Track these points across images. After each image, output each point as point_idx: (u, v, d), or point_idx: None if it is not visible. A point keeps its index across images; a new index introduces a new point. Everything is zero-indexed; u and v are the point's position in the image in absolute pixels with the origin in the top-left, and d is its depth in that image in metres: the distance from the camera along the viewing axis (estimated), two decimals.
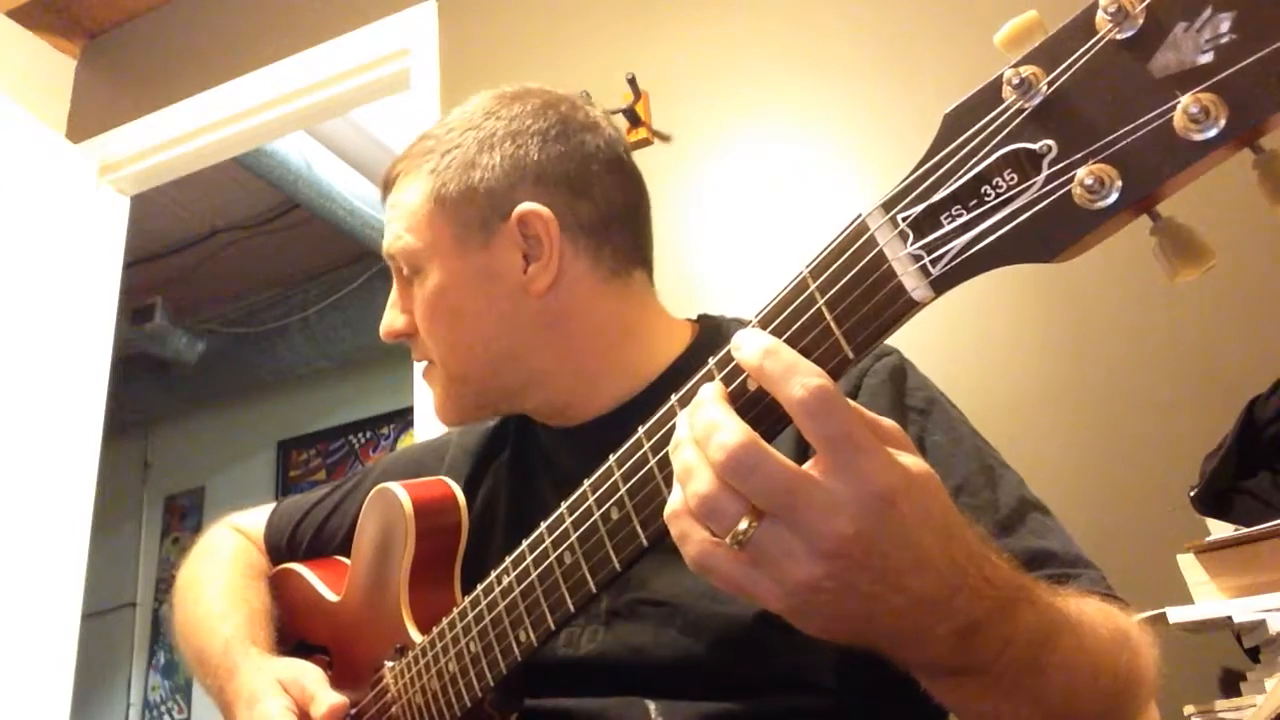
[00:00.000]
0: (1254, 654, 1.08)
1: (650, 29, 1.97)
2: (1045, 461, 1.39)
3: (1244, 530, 1.08)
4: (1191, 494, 1.20)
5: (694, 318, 0.96)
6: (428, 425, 1.90)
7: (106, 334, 2.54)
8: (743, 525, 0.46)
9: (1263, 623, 1.03)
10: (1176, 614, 1.04)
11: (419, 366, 0.95)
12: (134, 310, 3.90)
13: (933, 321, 1.51)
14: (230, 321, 4.23)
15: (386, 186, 0.93)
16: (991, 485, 0.74)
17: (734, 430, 0.46)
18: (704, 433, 0.48)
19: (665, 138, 1.88)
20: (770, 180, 1.77)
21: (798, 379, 0.46)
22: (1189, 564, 1.11)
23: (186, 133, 2.53)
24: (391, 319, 0.92)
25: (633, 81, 1.82)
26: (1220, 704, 1.07)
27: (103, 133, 2.64)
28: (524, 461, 0.95)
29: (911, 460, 0.47)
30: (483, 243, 0.85)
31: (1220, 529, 1.15)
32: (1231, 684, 1.17)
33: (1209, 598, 1.08)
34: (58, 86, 2.77)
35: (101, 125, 2.66)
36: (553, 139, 0.87)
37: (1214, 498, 1.17)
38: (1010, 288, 1.53)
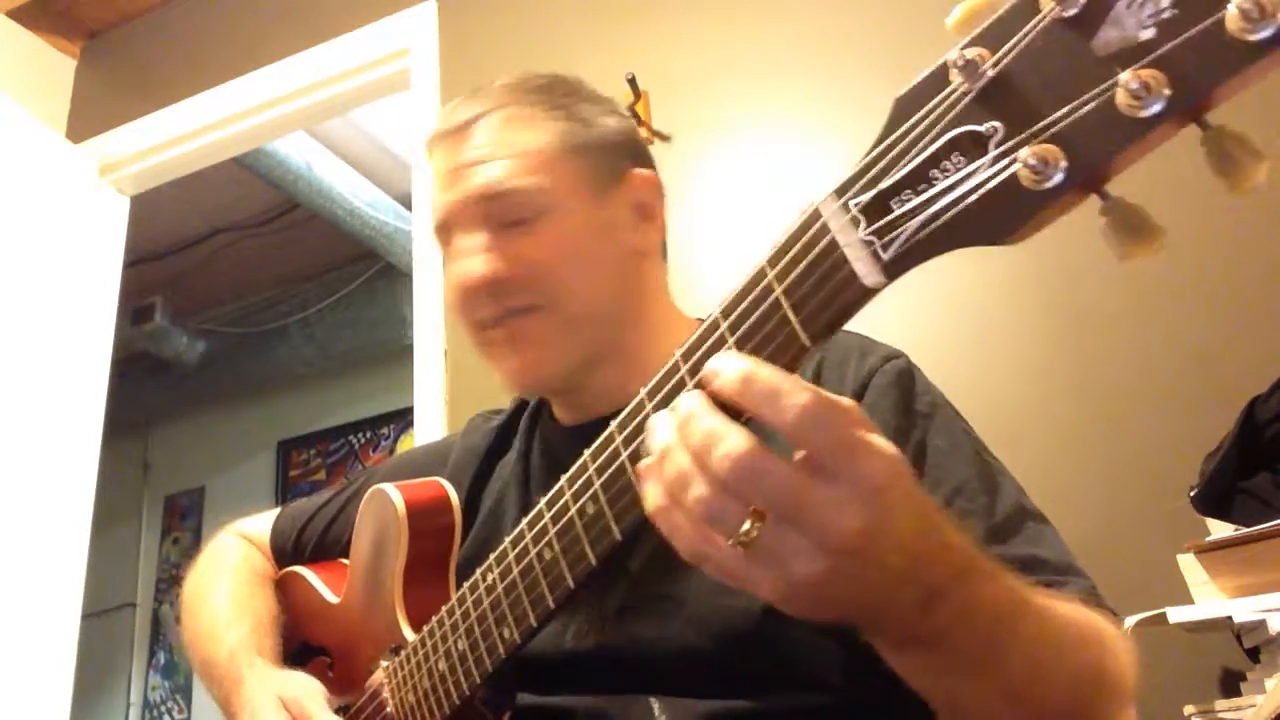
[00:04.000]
0: (1254, 654, 1.08)
1: (650, 29, 1.97)
2: (1045, 461, 1.39)
3: (1244, 530, 1.08)
4: (1191, 494, 1.20)
5: (702, 318, 0.95)
6: (428, 425, 1.90)
7: (106, 334, 2.54)
8: (746, 527, 0.46)
9: (1263, 623, 1.03)
10: (1176, 614, 1.04)
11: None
12: (134, 310, 3.90)
13: (934, 321, 1.52)
14: (230, 321, 4.23)
15: (464, 127, 0.86)
16: (989, 491, 0.74)
17: (737, 440, 0.46)
18: (703, 442, 0.47)
19: (665, 138, 1.88)
20: (770, 180, 1.76)
21: (784, 401, 0.46)
22: (1189, 564, 1.10)
23: (186, 133, 2.53)
24: (490, 263, 0.83)
25: (633, 81, 1.82)
26: (1220, 704, 1.07)
27: (103, 133, 2.64)
28: (531, 459, 0.95)
29: (884, 441, 0.48)
30: (604, 196, 0.88)
31: (1220, 529, 1.15)
32: (1231, 684, 1.17)
33: (1209, 598, 1.08)
34: (58, 86, 2.77)
35: (101, 125, 2.66)
36: (618, 114, 0.93)
37: (1214, 498, 1.17)
38: (1010, 287, 1.53)
